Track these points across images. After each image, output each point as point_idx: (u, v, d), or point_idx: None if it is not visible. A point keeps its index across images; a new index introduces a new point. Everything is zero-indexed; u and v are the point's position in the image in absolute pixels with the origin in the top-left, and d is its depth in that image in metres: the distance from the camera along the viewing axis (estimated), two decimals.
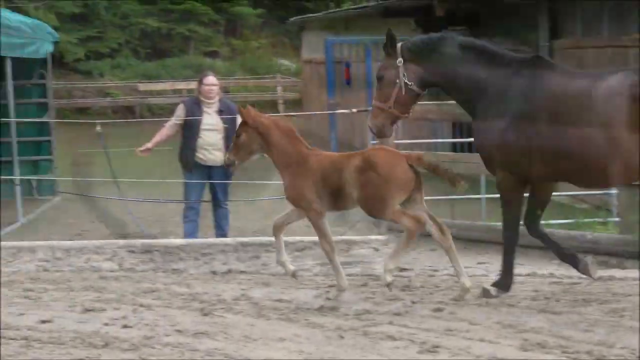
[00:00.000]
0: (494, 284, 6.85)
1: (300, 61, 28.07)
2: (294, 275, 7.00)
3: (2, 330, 6.08)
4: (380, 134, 7.08)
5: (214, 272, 8.16)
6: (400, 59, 6.87)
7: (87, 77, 29.41)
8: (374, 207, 6.64)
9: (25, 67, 13.24)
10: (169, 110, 19.00)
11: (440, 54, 6.83)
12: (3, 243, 9.13)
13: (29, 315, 6.51)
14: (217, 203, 9.57)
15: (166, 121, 9.76)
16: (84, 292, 7.18)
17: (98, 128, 10.07)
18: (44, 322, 6.33)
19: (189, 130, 9.40)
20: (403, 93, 6.87)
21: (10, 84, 12.30)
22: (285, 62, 32.46)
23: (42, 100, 13.75)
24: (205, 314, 6.55)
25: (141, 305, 6.78)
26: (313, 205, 6.80)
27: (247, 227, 10.44)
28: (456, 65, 6.79)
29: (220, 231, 9.60)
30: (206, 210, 9.71)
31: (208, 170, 9.44)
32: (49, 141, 13.75)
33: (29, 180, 13.14)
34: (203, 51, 32.25)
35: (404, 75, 6.85)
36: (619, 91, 6.26)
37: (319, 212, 6.83)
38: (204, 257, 8.62)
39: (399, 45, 6.90)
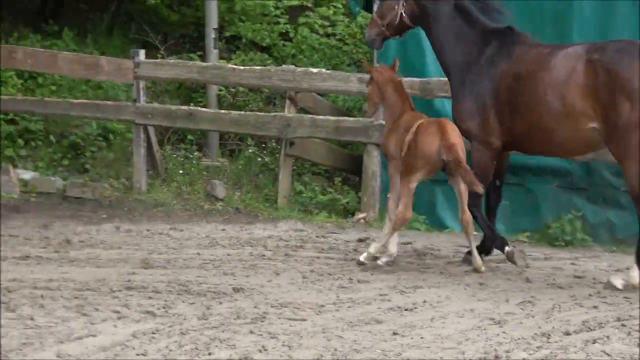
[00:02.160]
0: None
1: None
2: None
3: None
4: (370, 43, 10.15)
5: None
6: None
7: None
8: (403, 172, 9.07)
9: None
10: None
11: (435, 5, 9.59)
12: None
13: None
14: None
15: None
16: None
17: None
18: None
19: None
20: (396, 21, 9.77)
21: None
22: None
23: None
24: None
25: None
26: (393, 161, 9.33)
27: None
28: (440, 19, 9.58)
29: None
30: None
31: None
32: None
33: None
34: None
35: (403, 5, 9.69)
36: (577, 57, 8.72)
37: (397, 169, 9.23)
38: None
39: None
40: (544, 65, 8.88)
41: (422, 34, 11.28)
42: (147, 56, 13.29)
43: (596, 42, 9.04)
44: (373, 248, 9.18)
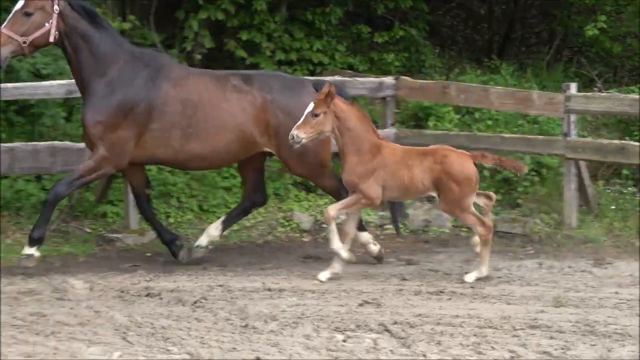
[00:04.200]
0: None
1: None
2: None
3: None
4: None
5: None
6: (57, 7, 10.05)
7: None
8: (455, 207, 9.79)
9: None
10: None
11: (86, 25, 10.22)
12: None
13: None
14: None
15: None
16: None
17: None
18: None
19: None
20: (49, 39, 10.08)
21: None
22: None
23: None
24: None
25: None
26: (369, 194, 9.52)
27: None
28: (91, 39, 10.24)
29: None
30: None
31: None
32: None
33: None
34: None
35: (55, 23, 10.02)
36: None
37: (371, 203, 9.65)
38: None
39: None
40: (216, 97, 10.33)
41: None
42: (588, 90, 13.17)
43: (244, 72, 11.11)
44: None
